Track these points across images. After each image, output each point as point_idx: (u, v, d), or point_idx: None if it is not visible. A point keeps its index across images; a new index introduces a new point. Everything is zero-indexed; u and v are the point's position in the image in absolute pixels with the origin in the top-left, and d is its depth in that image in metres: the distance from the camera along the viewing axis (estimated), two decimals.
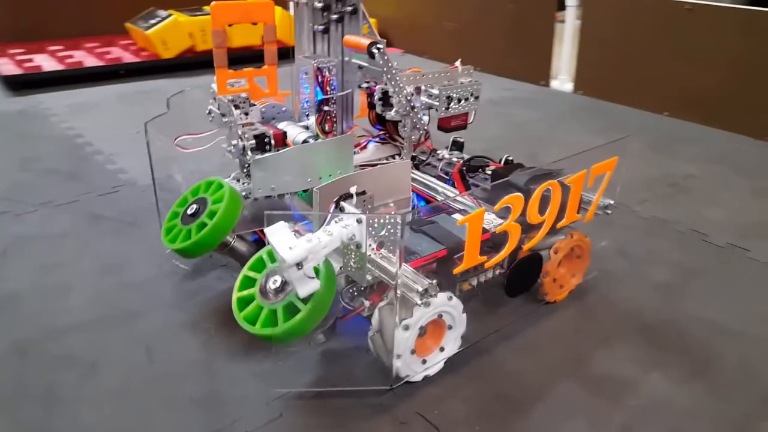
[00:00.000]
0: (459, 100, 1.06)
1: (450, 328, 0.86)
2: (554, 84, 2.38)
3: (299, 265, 0.73)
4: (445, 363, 0.88)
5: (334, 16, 1.13)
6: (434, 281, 0.76)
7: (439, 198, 1.15)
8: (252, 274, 0.86)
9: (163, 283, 1.09)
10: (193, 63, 2.65)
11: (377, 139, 1.24)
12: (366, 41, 0.97)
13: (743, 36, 1.85)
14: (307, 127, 1.18)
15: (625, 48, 2.14)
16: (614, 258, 1.17)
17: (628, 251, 1.21)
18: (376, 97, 1.05)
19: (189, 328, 0.97)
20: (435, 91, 1.05)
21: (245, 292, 0.84)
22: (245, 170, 1.12)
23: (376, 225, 0.79)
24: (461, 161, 1.14)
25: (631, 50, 2.13)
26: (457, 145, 1.25)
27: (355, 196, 0.83)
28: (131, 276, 1.11)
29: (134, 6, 2.80)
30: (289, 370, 0.89)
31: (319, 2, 1.11)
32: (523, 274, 0.95)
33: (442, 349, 0.87)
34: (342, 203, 0.82)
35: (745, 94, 1.87)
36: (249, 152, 1.04)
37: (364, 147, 1.22)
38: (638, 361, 0.92)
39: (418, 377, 0.85)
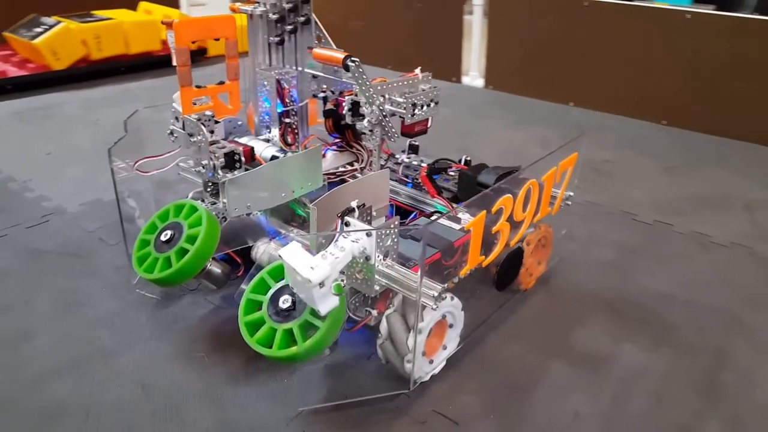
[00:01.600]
0: (422, 107, 1.10)
1: (451, 326, 0.91)
2: (465, 80, 2.50)
3: (321, 283, 0.73)
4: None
5: (289, 27, 1.13)
6: (446, 284, 0.80)
7: (403, 201, 1.18)
8: (255, 296, 0.84)
9: (135, 316, 1.03)
10: (89, 73, 2.48)
11: (334, 147, 1.25)
12: (340, 54, 0.98)
13: (633, 28, 2.06)
14: (268, 140, 1.16)
15: (531, 43, 2.30)
16: (564, 243, 1.27)
17: (574, 235, 1.32)
18: (345, 108, 1.06)
19: (178, 358, 0.93)
20: (399, 99, 1.07)
21: (253, 316, 0.82)
22: (209, 189, 1.09)
23: (384, 237, 0.81)
24: (426, 165, 1.18)
25: (536, 45, 2.29)
26: (413, 149, 1.29)
27: (357, 210, 0.84)
28: (96, 312, 1.04)
29: (4, 13, 2.55)
30: (296, 388, 0.88)
31: (274, 14, 1.10)
32: (510, 268, 1.01)
33: (444, 348, 0.91)
34: (347, 218, 0.83)
35: (641, 82, 2.08)
36: (219, 171, 1.02)
37: (323, 155, 1.23)
38: (610, 335, 1.02)
39: (427, 377, 0.89)
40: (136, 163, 1.04)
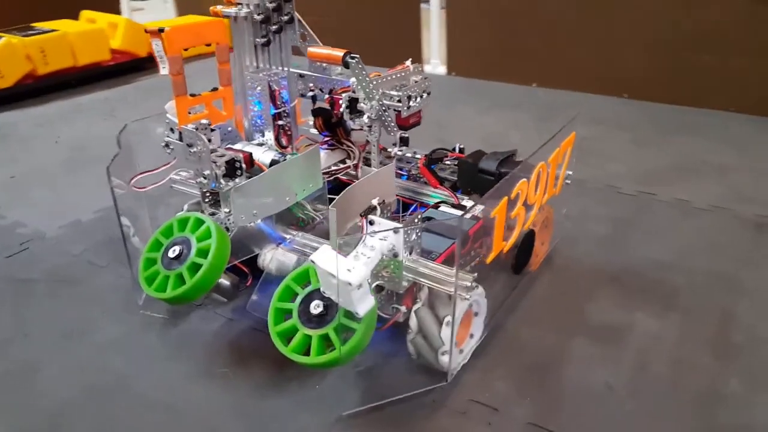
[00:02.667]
0: (416, 98, 1.10)
1: (476, 314, 0.91)
2: (428, 68, 2.50)
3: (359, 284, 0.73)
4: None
5: (274, 27, 1.10)
6: (475, 274, 0.81)
7: (402, 193, 1.18)
8: (283, 305, 0.83)
9: (145, 337, 0.99)
10: (37, 89, 2.35)
11: (326, 146, 1.23)
12: (339, 52, 0.96)
13: (591, 6, 2.11)
14: (261, 144, 1.14)
15: (490, 27, 2.32)
16: (560, 221, 1.30)
17: (567, 213, 1.35)
18: (343, 105, 1.04)
19: (201, 376, 0.91)
20: (394, 93, 1.07)
21: (284, 325, 0.81)
22: (208, 200, 1.06)
23: (409, 233, 0.81)
24: (424, 156, 1.18)
25: (496, 28, 2.31)
26: (404, 141, 1.28)
27: (378, 208, 0.83)
28: (102, 337, 0.99)
29: None
30: (329, 393, 0.87)
31: (259, 15, 1.08)
32: (524, 251, 1.03)
33: (471, 336, 0.92)
34: (371, 217, 0.82)
35: (602, 58, 2.13)
36: (221, 180, 0.99)
37: None
38: (620, 306, 1.05)
39: (459, 367, 0.89)
40: (131, 179, 1.00)
